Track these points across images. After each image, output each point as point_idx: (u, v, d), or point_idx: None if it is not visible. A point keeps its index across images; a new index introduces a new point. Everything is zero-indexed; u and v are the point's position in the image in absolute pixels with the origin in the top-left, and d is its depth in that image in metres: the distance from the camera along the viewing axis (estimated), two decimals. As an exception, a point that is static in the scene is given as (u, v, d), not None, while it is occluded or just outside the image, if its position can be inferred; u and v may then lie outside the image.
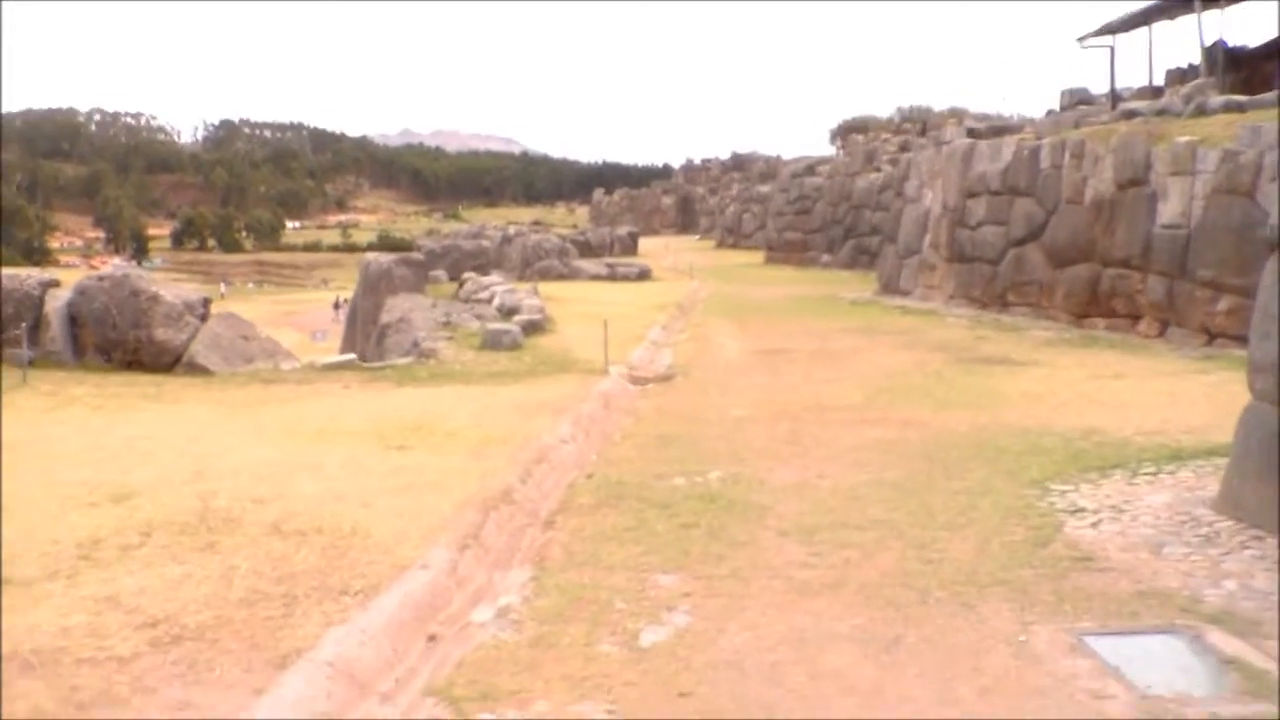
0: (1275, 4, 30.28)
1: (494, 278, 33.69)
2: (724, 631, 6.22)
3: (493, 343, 18.96)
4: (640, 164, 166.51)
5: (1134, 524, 8.26)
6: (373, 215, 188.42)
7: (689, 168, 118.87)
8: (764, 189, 70.76)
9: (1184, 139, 19.80)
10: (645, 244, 67.29)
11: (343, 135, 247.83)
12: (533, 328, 21.39)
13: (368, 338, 26.24)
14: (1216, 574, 7.12)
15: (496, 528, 8.15)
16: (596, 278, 42.12)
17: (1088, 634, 6.14)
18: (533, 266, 44.51)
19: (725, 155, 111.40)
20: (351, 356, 19.63)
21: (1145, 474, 9.86)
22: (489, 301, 26.06)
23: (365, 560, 7.10)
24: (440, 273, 38.72)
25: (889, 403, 14.15)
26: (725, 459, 10.77)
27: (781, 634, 6.18)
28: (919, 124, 60.18)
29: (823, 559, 7.51)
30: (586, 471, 10.24)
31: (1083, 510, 8.65)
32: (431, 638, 6.23)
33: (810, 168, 58.85)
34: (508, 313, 23.53)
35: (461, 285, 31.70)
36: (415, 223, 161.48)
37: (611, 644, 6.04)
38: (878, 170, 50.23)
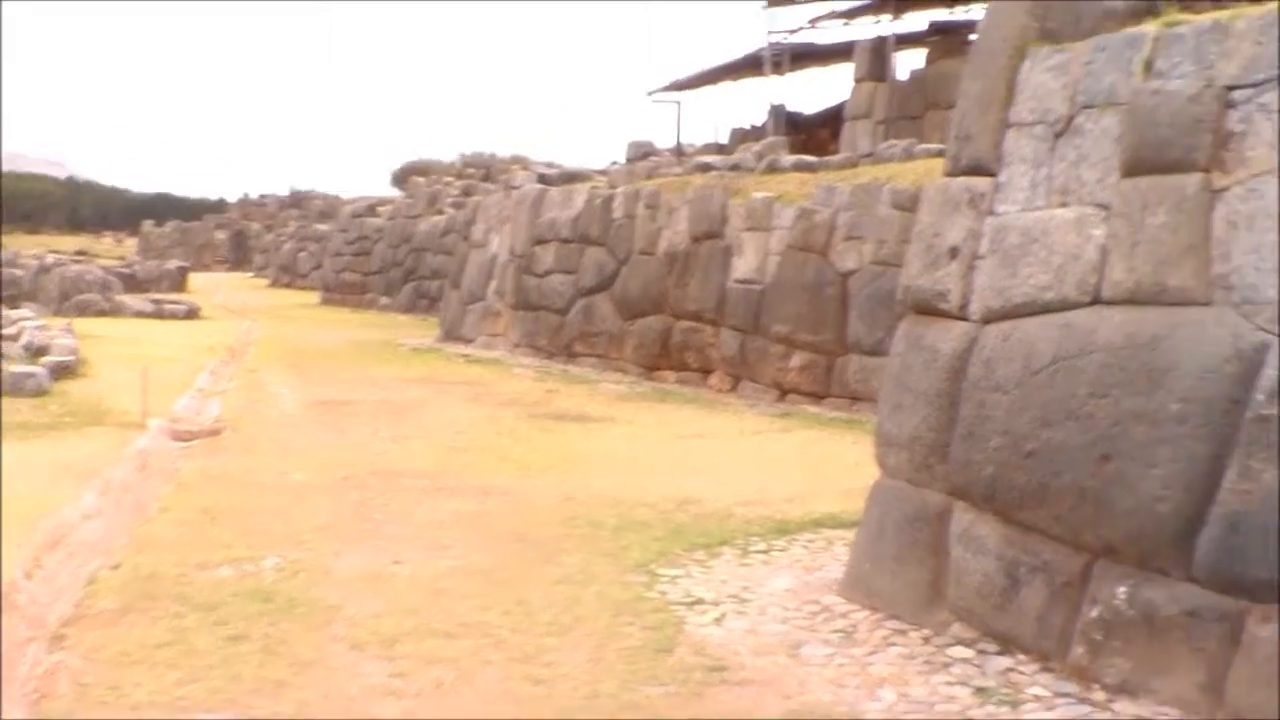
0: (826, 76, 31.46)
1: (25, 312, 30.29)
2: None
3: (14, 388, 16.48)
4: (194, 196, 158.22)
5: (762, 618, 7.21)
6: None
7: (245, 202, 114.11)
8: (322, 228, 68.11)
9: (760, 194, 19.50)
10: (197, 279, 63.31)
11: None
12: (63, 370, 18.88)
13: None
14: (868, 681, 6.15)
15: (-16, 647, 6.22)
16: (141, 315, 38.62)
17: (746, 785, 4.95)
18: (71, 300, 40.52)
19: (284, 191, 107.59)
20: None
21: (756, 552, 8.89)
22: (16, 339, 23.12)
23: None
24: (-37, 305, 34.61)
25: (465, 466, 12.75)
26: (282, 540, 9.03)
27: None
28: (483, 170, 59.43)
29: (409, 682, 6.01)
30: (113, 560, 8.27)
31: (701, 602, 7.53)
32: None
33: (371, 208, 56.95)
34: (36, 352, 20.82)
35: (-15, 320, 28.24)
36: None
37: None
38: (440, 213, 48.98)
